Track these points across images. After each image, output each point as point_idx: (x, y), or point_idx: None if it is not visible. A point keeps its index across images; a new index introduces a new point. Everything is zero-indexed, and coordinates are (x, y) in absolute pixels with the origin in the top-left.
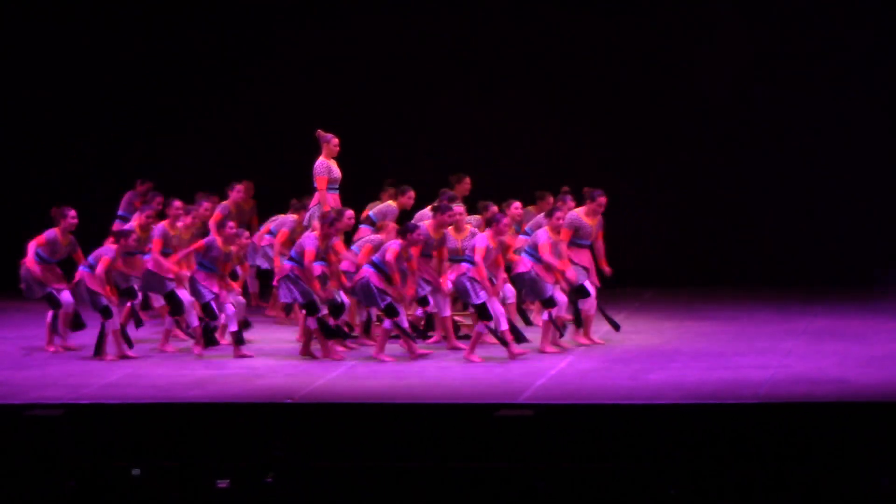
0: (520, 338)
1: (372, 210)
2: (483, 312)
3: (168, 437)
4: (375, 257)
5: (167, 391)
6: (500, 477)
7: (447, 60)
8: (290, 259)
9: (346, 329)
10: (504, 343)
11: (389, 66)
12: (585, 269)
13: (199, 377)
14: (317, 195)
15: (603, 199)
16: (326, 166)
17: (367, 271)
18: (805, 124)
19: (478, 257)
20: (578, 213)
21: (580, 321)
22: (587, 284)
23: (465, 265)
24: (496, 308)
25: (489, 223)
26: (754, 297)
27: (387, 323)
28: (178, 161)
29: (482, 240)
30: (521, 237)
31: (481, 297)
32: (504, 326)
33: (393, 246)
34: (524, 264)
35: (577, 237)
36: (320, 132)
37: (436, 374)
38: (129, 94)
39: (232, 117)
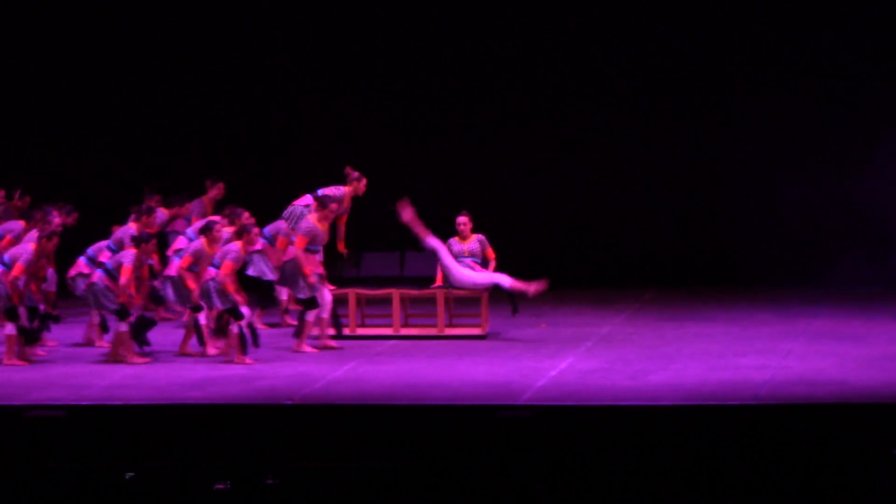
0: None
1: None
2: (236, 313)
3: (169, 439)
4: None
5: (168, 392)
6: (500, 477)
7: (449, 66)
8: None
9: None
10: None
11: (388, 66)
12: (318, 274)
13: (200, 378)
14: (307, 196)
15: (334, 206)
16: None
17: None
18: (805, 125)
19: (225, 269)
20: (312, 220)
21: (301, 331)
22: (322, 293)
23: (212, 270)
24: (245, 310)
25: (240, 234)
26: (754, 297)
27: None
28: (177, 161)
29: (234, 249)
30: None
31: (236, 301)
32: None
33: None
34: (208, 273)
35: (311, 244)
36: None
37: (436, 375)
38: (129, 93)
39: (233, 117)
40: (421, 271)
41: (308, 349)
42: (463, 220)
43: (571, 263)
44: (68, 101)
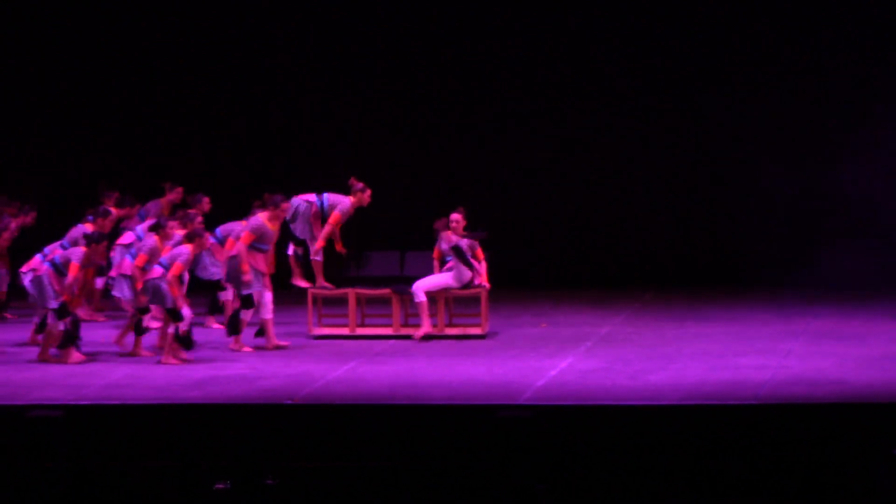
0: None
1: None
2: (175, 315)
3: (168, 438)
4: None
5: (167, 392)
6: (500, 477)
7: (449, 66)
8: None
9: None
10: (188, 345)
11: (388, 66)
12: (262, 273)
13: (200, 378)
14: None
15: (286, 206)
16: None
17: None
18: (805, 124)
19: (174, 270)
20: (263, 218)
21: (236, 329)
22: (262, 293)
23: (158, 269)
24: (186, 311)
25: (191, 238)
26: (754, 297)
27: (60, 325)
28: (178, 161)
29: (185, 252)
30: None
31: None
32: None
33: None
34: (155, 272)
35: (258, 242)
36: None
37: (436, 375)
38: (129, 93)
39: (233, 117)
40: (421, 271)
41: (246, 348)
42: (456, 218)
43: (571, 263)
44: (68, 101)
